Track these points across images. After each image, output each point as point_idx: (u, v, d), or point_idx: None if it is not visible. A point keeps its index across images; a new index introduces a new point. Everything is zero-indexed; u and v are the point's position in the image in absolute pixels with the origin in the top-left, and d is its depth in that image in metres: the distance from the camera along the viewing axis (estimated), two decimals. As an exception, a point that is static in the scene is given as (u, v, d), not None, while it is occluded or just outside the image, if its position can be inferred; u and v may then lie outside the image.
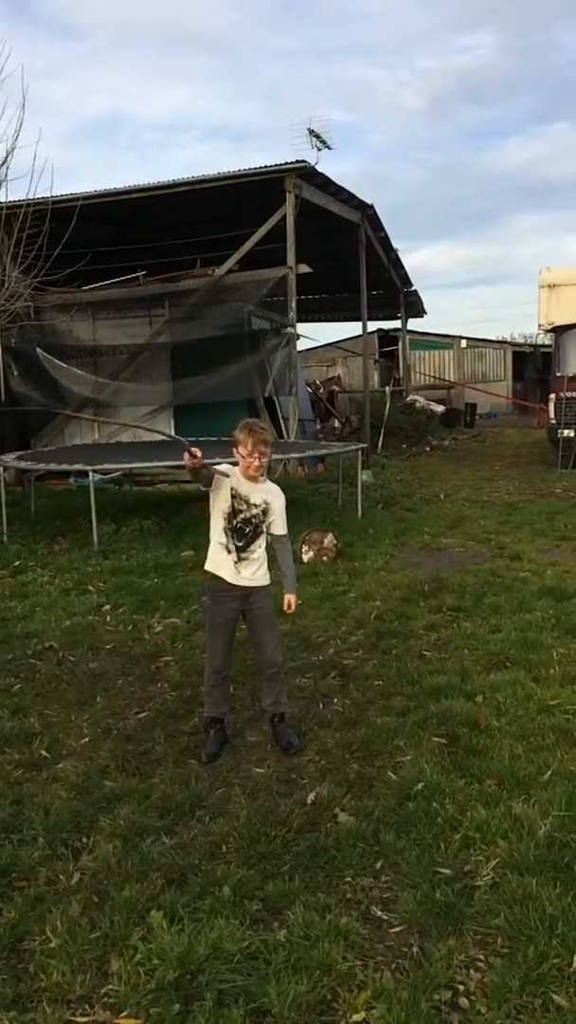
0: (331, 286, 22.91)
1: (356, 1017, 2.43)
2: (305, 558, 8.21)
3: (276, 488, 4.23)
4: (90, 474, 10.02)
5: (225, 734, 4.29)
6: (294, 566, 4.40)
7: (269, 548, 4.27)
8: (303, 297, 18.59)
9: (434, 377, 35.58)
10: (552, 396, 16.40)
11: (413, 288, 24.57)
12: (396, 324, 27.99)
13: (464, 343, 37.72)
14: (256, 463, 4.05)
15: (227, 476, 4.08)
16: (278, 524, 4.19)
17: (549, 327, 17.57)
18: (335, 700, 4.82)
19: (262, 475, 4.17)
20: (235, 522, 4.11)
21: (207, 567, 4.26)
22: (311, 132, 15.20)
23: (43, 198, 10.66)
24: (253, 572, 4.17)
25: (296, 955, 2.65)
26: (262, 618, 4.24)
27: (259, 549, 4.19)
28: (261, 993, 2.51)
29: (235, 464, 4.14)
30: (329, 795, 3.65)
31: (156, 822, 3.50)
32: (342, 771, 3.90)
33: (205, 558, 4.31)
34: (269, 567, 4.26)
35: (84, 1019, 2.48)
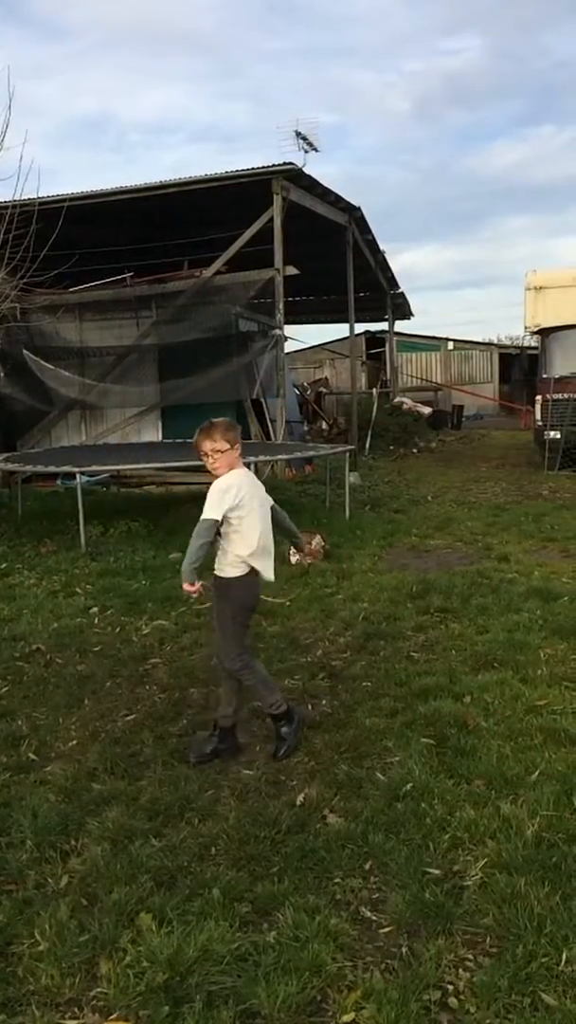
0: (318, 288, 22.96)
1: (346, 1018, 2.43)
2: (293, 559, 8.21)
3: (217, 480, 4.08)
4: (77, 476, 9.98)
5: (222, 738, 4.23)
6: (190, 553, 3.98)
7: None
8: (290, 299, 18.60)
9: (421, 379, 35.68)
10: (539, 398, 16.47)
11: (400, 290, 24.65)
12: (383, 326, 28.08)
13: (451, 345, 37.86)
14: (209, 465, 4.10)
15: None
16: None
17: (535, 329, 17.65)
18: (323, 701, 4.82)
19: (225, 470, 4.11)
20: None
21: None
22: (298, 134, 15.22)
23: (30, 199, 10.62)
24: (219, 561, 4.14)
25: (286, 956, 2.66)
26: (214, 618, 4.25)
27: (221, 541, 4.10)
28: (251, 994, 2.51)
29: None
30: (318, 796, 3.65)
31: (145, 824, 3.49)
32: (331, 772, 3.90)
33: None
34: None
35: (73, 1022, 2.47)
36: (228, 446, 4.06)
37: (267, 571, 4.16)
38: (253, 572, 4.12)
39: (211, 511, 3.97)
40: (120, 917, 2.88)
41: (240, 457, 4.16)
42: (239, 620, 4.18)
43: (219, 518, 3.98)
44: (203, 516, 3.98)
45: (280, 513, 4.35)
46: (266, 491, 4.32)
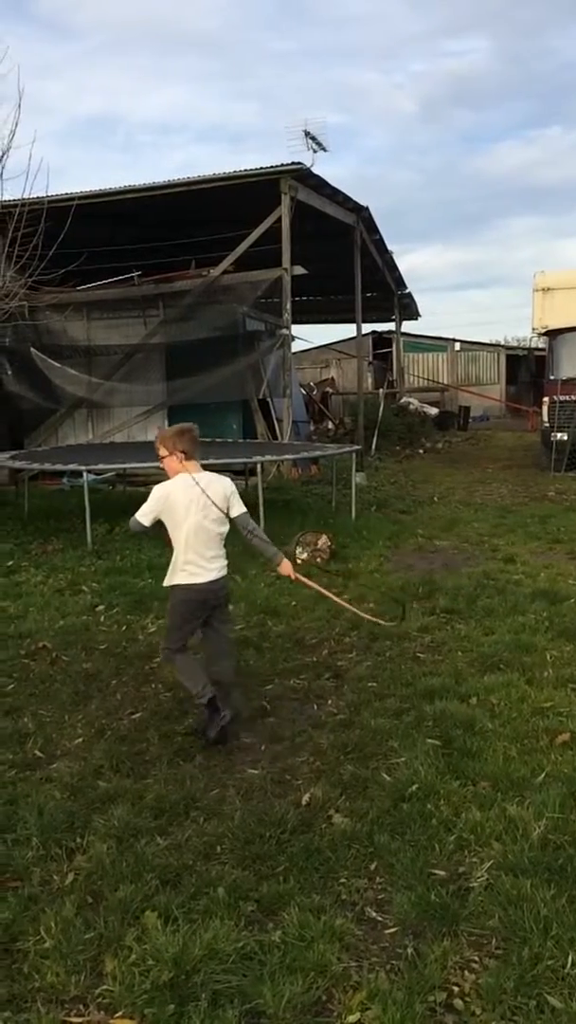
0: (326, 288, 22.94)
1: (351, 1018, 2.43)
2: (299, 559, 8.21)
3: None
4: (84, 474, 10.00)
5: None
6: None
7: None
8: (298, 299, 18.58)
9: (427, 380, 35.63)
10: (546, 399, 16.44)
11: (407, 290, 24.63)
12: (390, 326, 28.08)
13: (458, 346, 37.79)
14: None
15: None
16: None
17: (543, 330, 17.61)
18: (329, 701, 4.82)
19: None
20: None
21: None
22: (307, 134, 15.20)
23: (39, 198, 10.64)
24: None
25: (291, 956, 2.65)
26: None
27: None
28: (256, 994, 2.50)
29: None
30: (323, 796, 3.65)
31: (150, 823, 3.49)
32: (336, 772, 3.90)
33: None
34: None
35: (78, 1019, 2.47)
36: (166, 452, 4.29)
37: (192, 580, 4.28)
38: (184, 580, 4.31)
39: (141, 509, 4.29)
40: (125, 915, 2.88)
41: (185, 462, 4.28)
42: (175, 620, 4.39)
43: (144, 520, 4.27)
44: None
45: (246, 527, 4.38)
46: (240, 498, 4.38)
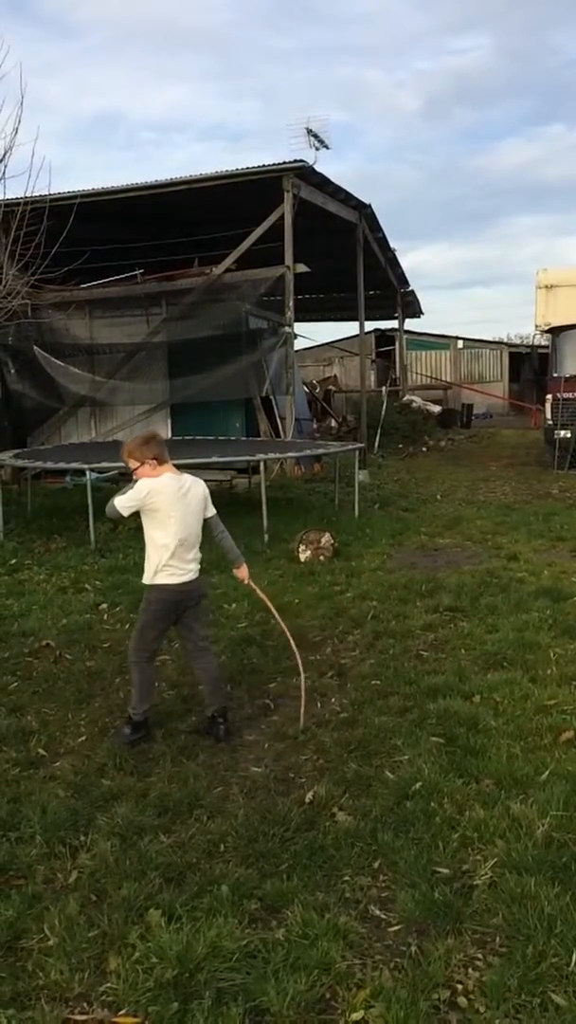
0: (328, 286, 22.92)
1: (355, 1016, 2.43)
2: (302, 557, 8.21)
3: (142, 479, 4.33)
4: (87, 473, 9.99)
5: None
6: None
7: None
8: (300, 296, 18.58)
9: (431, 377, 35.60)
10: (549, 397, 16.42)
11: (410, 288, 24.59)
12: (393, 324, 28.03)
13: (461, 344, 37.76)
14: None
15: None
16: None
17: (546, 328, 17.59)
18: (333, 699, 4.82)
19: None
20: None
21: None
22: (309, 132, 15.19)
23: (41, 196, 10.61)
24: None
25: (295, 954, 2.65)
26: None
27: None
28: (260, 992, 2.50)
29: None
30: (327, 794, 3.65)
31: (154, 821, 3.50)
32: (340, 770, 3.90)
33: (203, 557, 4.43)
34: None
35: (82, 1017, 2.47)
36: (137, 464, 4.30)
37: (171, 580, 4.30)
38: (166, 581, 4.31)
39: (123, 498, 4.29)
40: (129, 913, 2.88)
41: (160, 466, 4.29)
42: (147, 619, 4.38)
43: (124, 512, 4.29)
44: (115, 498, 4.31)
45: (217, 529, 4.48)
46: (213, 501, 4.45)
